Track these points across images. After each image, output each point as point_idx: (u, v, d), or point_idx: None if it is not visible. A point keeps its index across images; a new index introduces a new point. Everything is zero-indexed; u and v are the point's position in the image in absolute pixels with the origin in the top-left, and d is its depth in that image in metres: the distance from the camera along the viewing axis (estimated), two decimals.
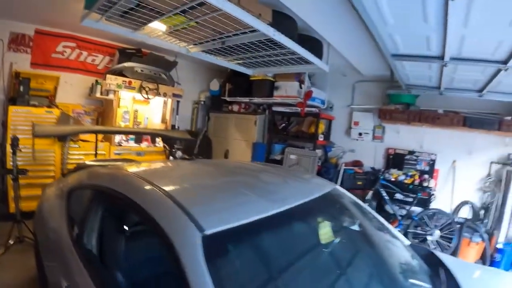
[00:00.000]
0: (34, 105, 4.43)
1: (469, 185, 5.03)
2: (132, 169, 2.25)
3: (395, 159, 5.64)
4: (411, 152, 5.51)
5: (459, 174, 5.12)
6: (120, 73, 5.19)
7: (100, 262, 1.86)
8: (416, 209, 5.00)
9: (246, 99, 6.14)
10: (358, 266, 1.95)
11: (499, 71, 3.25)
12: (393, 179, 5.32)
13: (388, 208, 5.12)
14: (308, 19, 3.40)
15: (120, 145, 5.28)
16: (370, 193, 5.23)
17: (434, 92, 4.81)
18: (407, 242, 2.49)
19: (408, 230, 4.81)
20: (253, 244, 1.64)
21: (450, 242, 4.65)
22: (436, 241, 4.74)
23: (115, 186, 1.92)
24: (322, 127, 5.96)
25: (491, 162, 4.88)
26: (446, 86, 4.49)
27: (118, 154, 5.16)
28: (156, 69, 5.60)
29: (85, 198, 2.17)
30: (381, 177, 5.24)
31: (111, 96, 5.18)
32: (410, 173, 5.34)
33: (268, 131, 6.42)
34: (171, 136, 4.32)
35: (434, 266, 2.15)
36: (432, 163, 5.34)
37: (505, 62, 3.02)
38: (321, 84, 6.10)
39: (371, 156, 5.86)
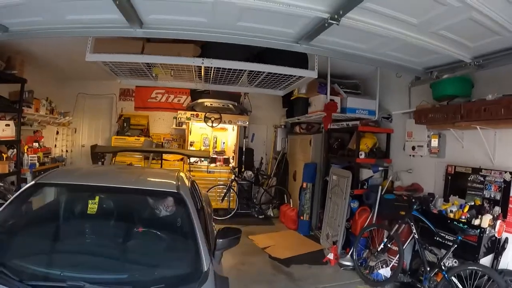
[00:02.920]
0: (128, 135, 6.71)
1: None
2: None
3: (455, 181, 3.91)
4: (476, 170, 3.67)
5: None
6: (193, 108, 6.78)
7: None
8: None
9: (295, 119, 6.08)
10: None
11: None
12: (435, 211, 3.75)
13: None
14: None
15: (193, 164, 6.70)
16: (395, 227, 3.93)
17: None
18: (205, 267, 2.17)
19: None
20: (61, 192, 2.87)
21: None
22: None
23: None
24: (368, 142, 4.99)
25: None
26: None
27: (190, 170, 6.59)
28: (224, 101, 6.75)
29: None
30: (414, 207, 3.83)
31: (184, 126, 6.84)
32: (471, 203, 3.57)
33: (323, 150, 5.95)
34: (190, 154, 5.30)
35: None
36: (506, 187, 3.36)
37: None
38: (374, 93, 5.13)
39: (431, 177, 4.31)
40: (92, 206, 2.61)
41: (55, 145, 6.48)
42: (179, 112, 6.76)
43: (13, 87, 5.35)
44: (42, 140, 6.22)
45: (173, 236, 2.60)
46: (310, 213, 5.92)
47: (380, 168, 4.94)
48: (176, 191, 2.66)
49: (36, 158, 5.62)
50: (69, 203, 2.88)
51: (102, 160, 6.03)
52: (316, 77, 4.22)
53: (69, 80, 6.95)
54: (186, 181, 3.04)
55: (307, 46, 3.16)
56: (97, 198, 2.64)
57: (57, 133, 6.54)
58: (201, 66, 4.22)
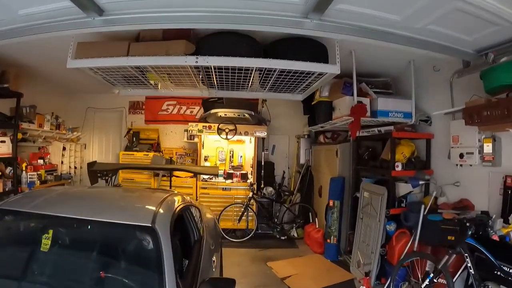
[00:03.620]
0: (136, 150, 6.28)
1: None
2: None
3: None
4: None
5: None
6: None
7: None
8: None
9: (318, 127, 5.32)
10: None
11: None
12: (495, 238, 2.85)
13: None
14: None
15: (206, 181, 6.15)
16: (445, 259, 3.03)
17: None
18: None
19: None
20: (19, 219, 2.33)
21: None
22: None
23: None
24: (405, 151, 4.16)
25: None
26: None
27: (204, 188, 6.08)
28: (239, 111, 6.10)
29: None
30: (469, 232, 2.94)
31: (196, 139, 6.30)
32: None
33: (352, 162, 5.12)
34: (195, 171, 4.74)
35: None
36: None
37: None
38: (408, 92, 4.28)
39: (484, 192, 3.42)
40: (46, 242, 2.11)
41: (62, 162, 6.19)
42: (190, 124, 6.26)
43: (15, 102, 5.12)
44: (48, 156, 5.96)
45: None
46: (338, 235, 5.08)
47: (420, 182, 4.03)
48: (149, 224, 2.13)
49: (36, 176, 5.32)
50: (22, 236, 2.37)
51: (106, 178, 5.56)
52: (339, 72, 3.48)
53: (77, 94, 6.70)
54: (174, 208, 2.45)
55: (320, 22, 2.49)
56: (50, 232, 2.14)
57: (64, 149, 6.25)
58: (200, 68, 3.67)
